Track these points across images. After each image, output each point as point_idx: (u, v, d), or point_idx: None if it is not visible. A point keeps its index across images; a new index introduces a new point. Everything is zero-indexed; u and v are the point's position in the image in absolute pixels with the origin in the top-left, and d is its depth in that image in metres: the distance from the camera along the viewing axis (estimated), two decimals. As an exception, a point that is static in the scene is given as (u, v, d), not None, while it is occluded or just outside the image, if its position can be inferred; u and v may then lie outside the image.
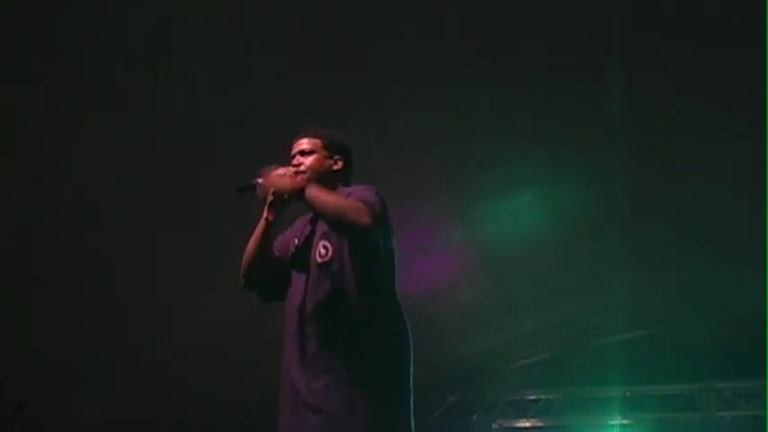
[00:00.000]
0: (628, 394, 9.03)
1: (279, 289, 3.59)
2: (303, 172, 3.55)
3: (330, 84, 6.00)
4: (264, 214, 3.52)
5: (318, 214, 3.46)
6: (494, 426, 9.32)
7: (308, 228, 3.61)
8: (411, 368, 3.43)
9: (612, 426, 9.04)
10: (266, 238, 3.55)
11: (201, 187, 6.44)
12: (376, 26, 5.81)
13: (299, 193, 3.37)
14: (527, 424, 9.30)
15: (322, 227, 3.52)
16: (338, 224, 3.38)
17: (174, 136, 6.25)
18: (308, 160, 3.58)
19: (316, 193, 3.40)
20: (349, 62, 5.95)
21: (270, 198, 3.46)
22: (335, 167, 3.61)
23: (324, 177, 3.56)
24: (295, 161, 3.60)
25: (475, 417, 9.33)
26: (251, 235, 3.59)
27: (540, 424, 9.28)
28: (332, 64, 5.95)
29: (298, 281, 3.53)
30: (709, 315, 8.33)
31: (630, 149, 6.65)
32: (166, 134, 6.26)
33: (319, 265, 3.46)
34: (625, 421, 9.03)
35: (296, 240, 3.62)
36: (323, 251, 3.46)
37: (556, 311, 8.53)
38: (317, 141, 3.62)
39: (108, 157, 6.38)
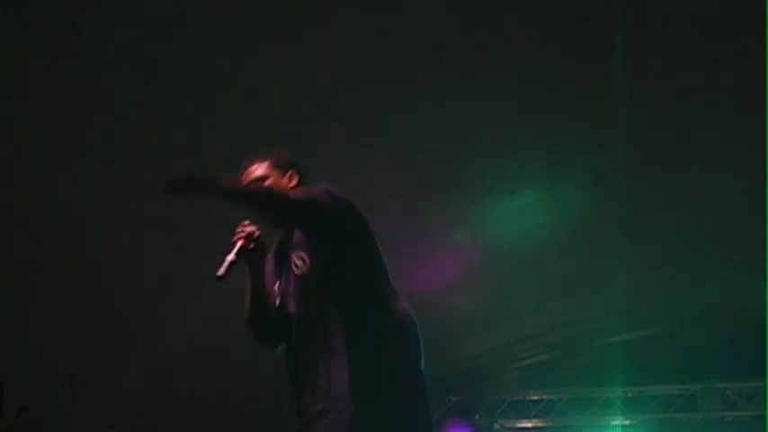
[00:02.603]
0: (630, 394, 9.00)
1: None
2: None
3: (330, 83, 6.01)
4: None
5: (246, 204, 3.33)
6: (496, 426, 9.29)
7: (277, 256, 3.52)
8: (420, 364, 3.31)
9: (614, 426, 9.02)
10: (254, 286, 3.46)
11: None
12: (377, 26, 5.81)
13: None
14: (529, 424, 9.27)
15: (293, 241, 3.41)
16: (265, 205, 3.31)
17: (173, 142, 6.25)
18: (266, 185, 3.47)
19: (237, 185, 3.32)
20: (348, 61, 5.96)
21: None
22: (291, 184, 3.50)
23: None
24: None
25: (477, 417, 9.32)
26: None
27: (542, 424, 9.25)
28: (331, 63, 5.96)
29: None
30: (711, 315, 8.33)
31: (631, 150, 6.65)
32: (166, 139, 6.26)
33: (299, 277, 3.37)
34: (627, 421, 9.00)
35: (273, 278, 3.51)
36: (299, 263, 3.36)
37: (558, 312, 8.53)
38: (266, 164, 3.51)
39: (108, 160, 6.39)
